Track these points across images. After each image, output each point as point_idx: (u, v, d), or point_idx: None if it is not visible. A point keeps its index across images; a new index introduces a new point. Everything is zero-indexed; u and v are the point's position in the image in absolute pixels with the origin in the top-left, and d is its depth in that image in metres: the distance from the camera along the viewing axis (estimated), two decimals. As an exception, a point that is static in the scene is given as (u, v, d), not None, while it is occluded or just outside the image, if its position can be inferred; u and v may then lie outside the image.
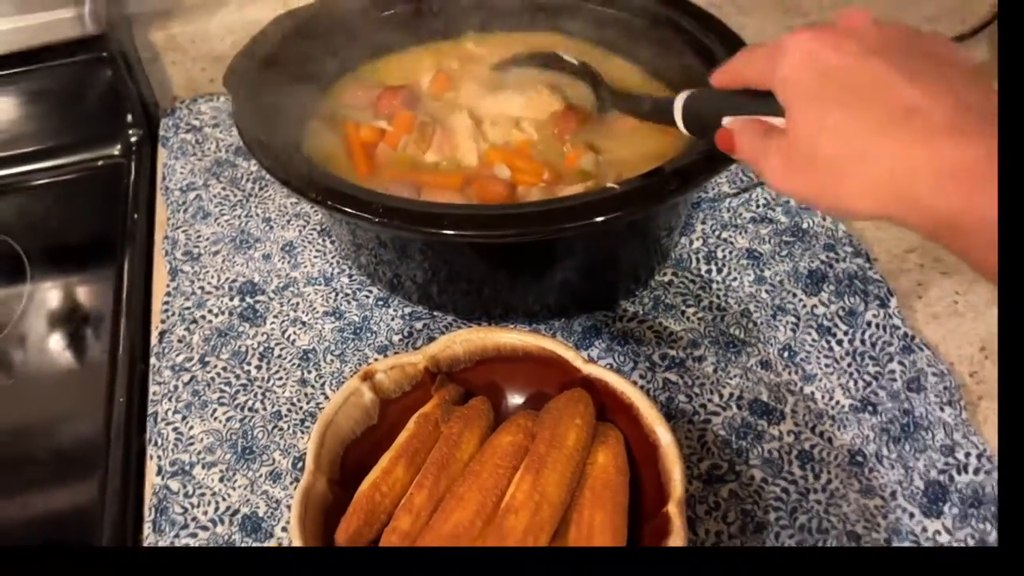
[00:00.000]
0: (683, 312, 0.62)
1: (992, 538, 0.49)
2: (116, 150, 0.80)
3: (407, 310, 0.64)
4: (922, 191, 0.33)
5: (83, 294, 0.70)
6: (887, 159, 0.34)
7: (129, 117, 0.80)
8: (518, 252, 0.59)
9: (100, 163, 0.79)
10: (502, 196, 0.59)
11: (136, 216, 0.72)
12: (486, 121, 0.64)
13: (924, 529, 0.50)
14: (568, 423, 0.49)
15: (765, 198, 0.68)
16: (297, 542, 0.45)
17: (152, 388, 0.60)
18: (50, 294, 0.70)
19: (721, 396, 0.57)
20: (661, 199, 0.51)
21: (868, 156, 0.35)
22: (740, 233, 0.66)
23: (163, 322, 0.64)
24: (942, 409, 0.55)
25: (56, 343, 0.67)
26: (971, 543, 0.49)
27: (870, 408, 0.56)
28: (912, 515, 0.51)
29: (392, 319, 0.63)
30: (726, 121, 0.44)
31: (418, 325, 0.63)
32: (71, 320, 0.68)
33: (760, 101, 0.41)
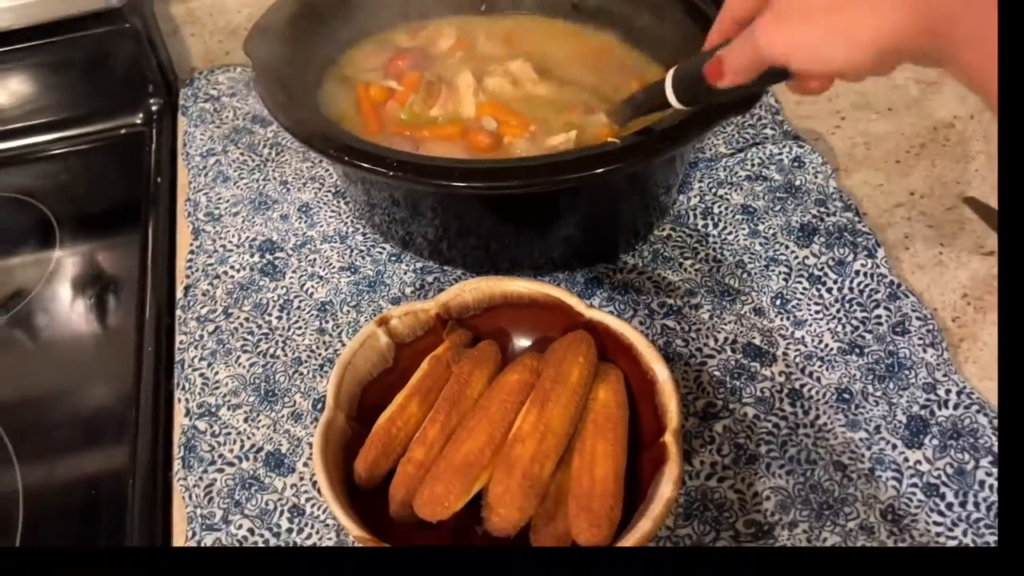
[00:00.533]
0: (681, 264, 0.65)
1: (969, 467, 0.53)
2: (138, 119, 0.83)
3: (419, 265, 0.67)
4: None
5: (110, 255, 0.74)
6: None
7: (150, 87, 0.83)
8: (524, 206, 0.62)
9: (123, 131, 0.83)
10: (487, 147, 0.62)
11: (159, 180, 0.76)
12: (488, 77, 0.68)
13: (906, 459, 0.53)
14: (572, 361, 0.53)
15: (760, 158, 0.71)
16: (319, 471, 0.49)
17: (179, 338, 0.64)
18: (79, 256, 0.74)
19: (716, 340, 0.60)
20: (658, 152, 0.54)
21: None
22: (736, 190, 0.70)
23: (187, 277, 0.68)
24: (925, 351, 0.58)
25: (86, 303, 0.70)
26: (950, 472, 0.53)
27: (857, 350, 0.59)
28: (895, 446, 0.54)
29: (404, 273, 0.66)
30: None
31: (429, 278, 0.66)
32: (99, 280, 0.72)
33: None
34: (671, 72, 0.52)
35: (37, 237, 0.75)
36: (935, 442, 0.54)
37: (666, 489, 0.47)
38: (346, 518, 0.47)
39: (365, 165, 0.55)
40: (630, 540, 0.45)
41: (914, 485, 0.52)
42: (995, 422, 0.54)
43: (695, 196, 0.70)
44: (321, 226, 0.71)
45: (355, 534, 0.47)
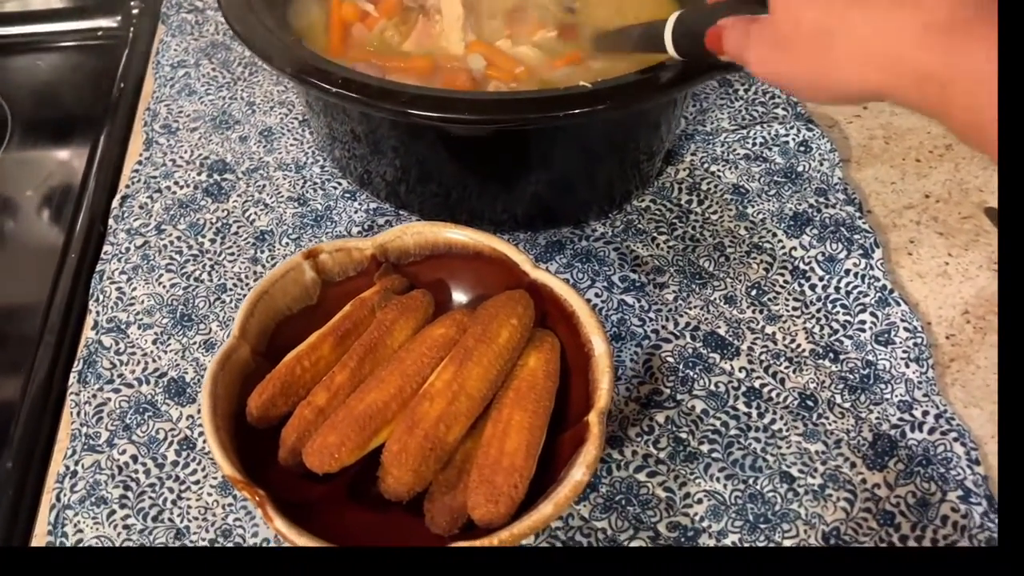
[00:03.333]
0: (654, 239, 0.59)
1: (934, 499, 0.46)
2: (115, 22, 0.79)
3: (372, 206, 0.62)
4: (906, 46, 0.32)
5: (59, 159, 0.70)
6: (872, 20, 0.33)
7: (132, -11, 0.79)
8: (490, 153, 0.57)
9: (99, 33, 0.79)
10: (465, 87, 0.56)
11: (123, 86, 0.72)
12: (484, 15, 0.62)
13: (864, 481, 0.47)
14: (503, 321, 0.47)
15: (764, 137, 0.65)
16: (205, 397, 0.44)
17: (105, 248, 0.59)
18: (27, 156, 0.70)
19: (676, 324, 0.54)
20: (633, 100, 0.49)
21: (852, 21, 0.34)
22: (730, 168, 0.63)
23: (128, 187, 0.63)
24: (907, 365, 0.52)
25: (26, 202, 0.66)
26: (911, 501, 0.46)
27: (831, 355, 0.53)
28: (853, 464, 0.48)
29: (356, 212, 0.61)
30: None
31: (380, 221, 0.61)
32: (43, 183, 0.68)
33: (750, 3, 0.41)
34: (672, 19, 0.48)
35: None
36: (900, 466, 0.48)
37: (577, 472, 0.41)
38: (220, 453, 0.42)
39: (309, 79, 0.50)
40: (527, 523, 0.40)
41: (867, 510, 0.46)
42: (972, 454, 0.48)
43: (684, 169, 0.63)
44: (279, 153, 0.66)
45: (227, 472, 0.42)
